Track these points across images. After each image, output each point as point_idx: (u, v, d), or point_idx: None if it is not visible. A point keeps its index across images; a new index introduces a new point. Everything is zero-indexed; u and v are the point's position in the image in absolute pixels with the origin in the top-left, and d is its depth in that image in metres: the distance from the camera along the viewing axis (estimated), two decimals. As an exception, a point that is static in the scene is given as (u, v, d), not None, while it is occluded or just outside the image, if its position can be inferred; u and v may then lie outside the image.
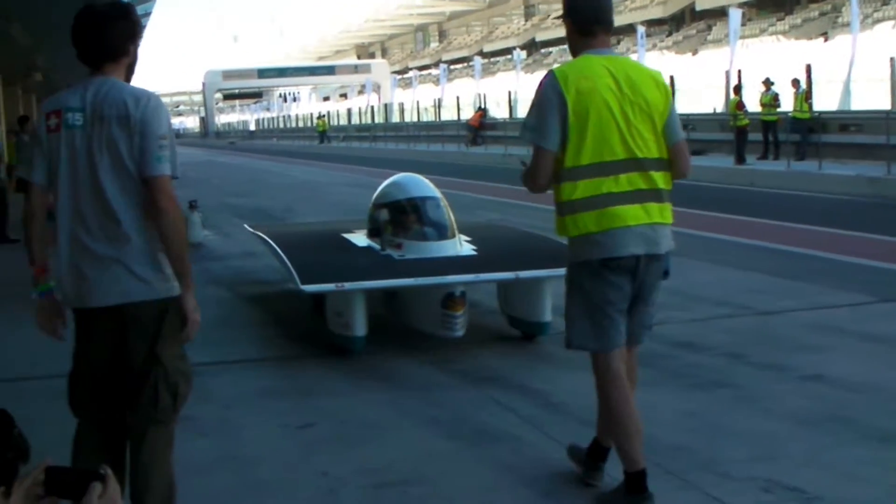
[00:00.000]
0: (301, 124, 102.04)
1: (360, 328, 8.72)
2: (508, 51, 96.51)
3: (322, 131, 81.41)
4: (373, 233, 10.04)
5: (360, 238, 10.43)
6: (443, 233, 9.62)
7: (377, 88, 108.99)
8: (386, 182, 10.67)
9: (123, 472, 4.77)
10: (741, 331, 9.37)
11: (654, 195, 5.37)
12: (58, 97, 4.80)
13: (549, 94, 5.30)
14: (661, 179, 5.41)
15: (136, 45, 4.82)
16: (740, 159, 29.27)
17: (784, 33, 70.69)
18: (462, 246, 9.61)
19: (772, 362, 8.28)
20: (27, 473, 2.56)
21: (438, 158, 47.39)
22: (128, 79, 4.83)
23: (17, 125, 20.65)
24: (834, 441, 6.41)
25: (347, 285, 8.45)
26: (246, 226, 13.44)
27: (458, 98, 64.42)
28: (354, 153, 61.07)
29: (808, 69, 31.76)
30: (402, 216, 9.80)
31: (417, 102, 73.56)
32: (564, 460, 6.10)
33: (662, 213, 5.40)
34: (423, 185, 10.29)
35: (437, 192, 10.07)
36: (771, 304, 10.42)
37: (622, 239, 5.27)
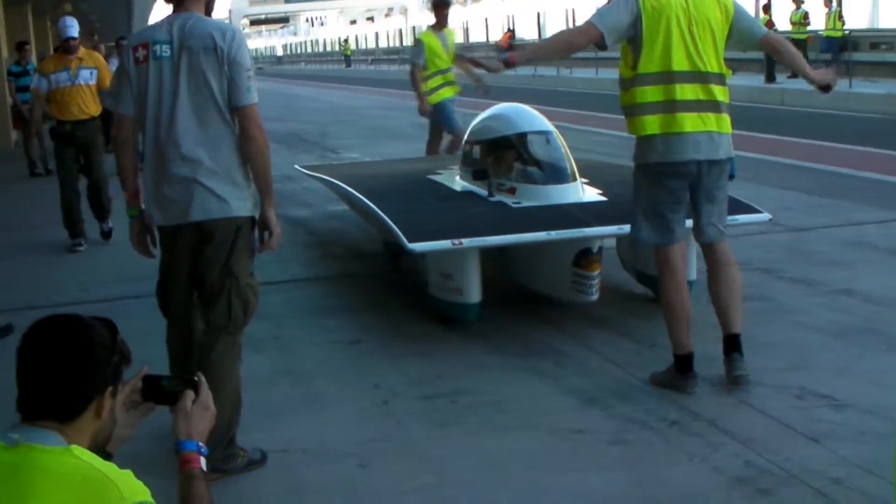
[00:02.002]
0: (328, 48, 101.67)
1: (474, 294, 7.30)
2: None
3: (347, 55, 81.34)
4: (474, 175, 8.42)
5: (452, 180, 9.11)
6: (563, 175, 8.09)
7: (404, 11, 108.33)
8: (486, 113, 9.14)
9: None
10: (774, 246, 9.59)
11: (713, 106, 5.98)
12: (143, 31, 5.25)
13: (628, 1, 5.94)
14: (720, 92, 6.03)
15: None
16: (770, 78, 29.17)
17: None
18: (584, 190, 8.10)
19: (804, 277, 8.52)
20: (128, 379, 2.83)
21: (467, 80, 47.33)
22: (208, 14, 5.20)
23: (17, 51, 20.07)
24: (862, 351, 6.66)
25: (467, 242, 6.99)
26: (298, 167, 12.02)
27: (486, 20, 64.10)
28: (383, 76, 60.95)
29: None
30: (512, 155, 8.34)
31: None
32: (605, 370, 6.41)
33: (720, 122, 6.04)
34: (533, 118, 8.72)
35: (551, 126, 8.53)
36: (803, 221, 10.62)
37: (679, 146, 5.91)
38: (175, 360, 5.37)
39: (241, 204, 5.15)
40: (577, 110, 25.65)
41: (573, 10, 50.88)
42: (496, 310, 7.62)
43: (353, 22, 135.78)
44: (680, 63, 5.91)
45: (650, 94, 5.95)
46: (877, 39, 30.39)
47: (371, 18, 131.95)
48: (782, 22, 31.19)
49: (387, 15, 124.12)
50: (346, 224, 11.25)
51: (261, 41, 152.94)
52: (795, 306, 7.75)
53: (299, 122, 27.15)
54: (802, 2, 30.61)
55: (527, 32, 58.78)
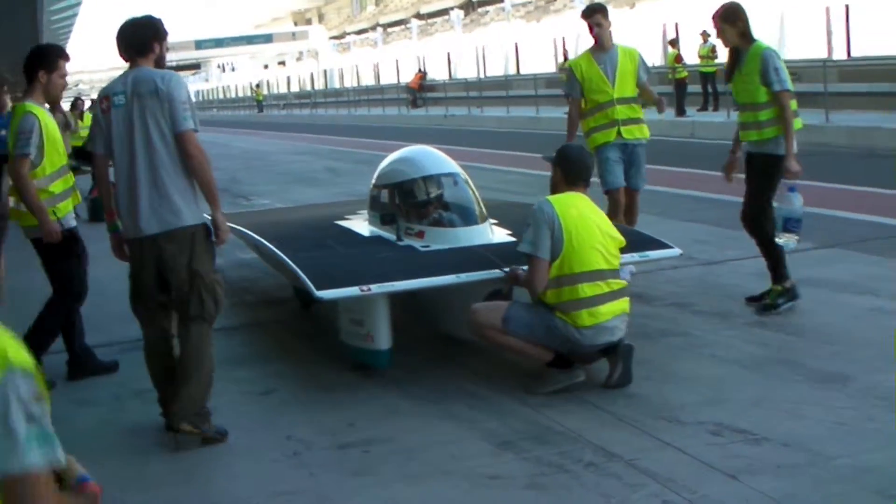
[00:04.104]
0: (241, 94, 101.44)
1: (385, 340, 7.21)
2: (446, 11, 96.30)
3: (259, 100, 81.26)
4: (382, 220, 8.38)
5: (360, 225, 9.06)
6: (471, 217, 8.13)
7: (315, 55, 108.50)
8: (393, 156, 9.07)
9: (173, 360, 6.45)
10: (687, 281, 9.59)
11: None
12: (106, 86, 6.38)
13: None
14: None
15: (161, 46, 6.38)
16: (681, 111, 29.52)
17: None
18: (493, 231, 8.15)
19: (718, 310, 8.51)
20: None
21: (380, 122, 47.49)
22: (159, 67, 6.36)
23: None
24: (778, 383, 6.64)
25: (375, 287, 6.92)
26: (206, 215, 11.81)
27: (396, 61, 64.35)
28: (295, 120, 60.92)
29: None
30: (418, 198, 8.33)
31: (356, 67, 73.40)
32: (518, 412, 6.34)
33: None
34: (440, 160, 8.70)
35: (457, 168, 8.54)
36: (714, 254, 10.66)
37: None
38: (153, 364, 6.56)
39: (193, 213, 6.22)
40: (487, 149, 25.72)
41: (483, 50, 51.21)
42: (409, 355, 7.53)
43: (266, 66, 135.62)
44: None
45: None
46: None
47: (283, 62, 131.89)
48: (691, 56, 31.56)
49: (298, 59, 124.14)
50: (257, 272, 11.11)
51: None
52: (711, 340, 7.73)
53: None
54: (710, 36, 31.00)
55: (438, 72, 59.05)
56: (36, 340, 7.46)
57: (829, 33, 30.93)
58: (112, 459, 6.13)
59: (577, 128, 10.02)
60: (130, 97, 6.14)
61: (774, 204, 8.38)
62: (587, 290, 6.59)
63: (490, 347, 7.14)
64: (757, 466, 5.29)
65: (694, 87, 30.47)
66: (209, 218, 6.34)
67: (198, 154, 6.15)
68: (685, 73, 30.43)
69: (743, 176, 8.72)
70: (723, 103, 29.18)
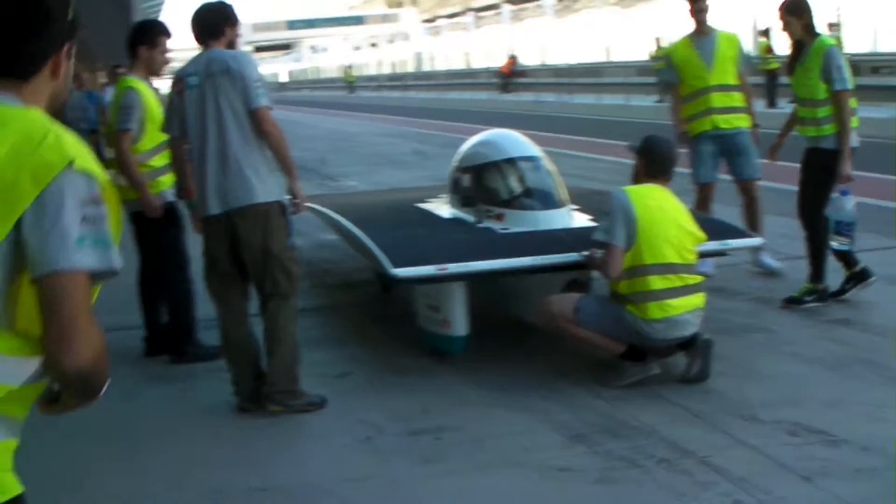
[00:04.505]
0: (331, 75, 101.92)
1: (461, 326, 7.24)
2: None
3: (350, 82, 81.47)
4: (461, 202, 8.38)
5: (441, 208, 8.96)
6: (551, 201, 8.02)
7: (406, 38, 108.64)
8: (473, 140, 8.98)
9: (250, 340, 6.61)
10: (770, 275, 9.44)
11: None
12: (179, 69, 6.59)
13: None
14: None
15: (232, 30, 6.61)
16: (772, 103, 29.12)
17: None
18: (574, 216, 8.05)
19: (801, 307, 8.35)
20: None
21: (470, 106, 47.34)
22: (231, 48, 6.58)
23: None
24: (860, 384, 6.51)
25: (451, 267, 6.88)
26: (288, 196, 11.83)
27: (487, 46, 64.17)
28: (386, 103, 61.00)
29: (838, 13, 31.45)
30: (499, 181, 8.23)
31: (447, 51, 73.35)
32: (593, 406, 6.27)
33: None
34: (522, 143, 8.63)
35: (539, 151, 8.48)
36: (799, 248, 10.40)
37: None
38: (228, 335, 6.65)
39: (267, 190, 6.32)
40: (576, 136, 25.56)
41: (574, 34, 50.90)
42: (485, 342, 7.48)
43: (357, 48, 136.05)
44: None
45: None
46: (878, 63, 30.27)
47: (374, 45, 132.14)
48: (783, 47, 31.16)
49: (390, 41, 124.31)
50: (338, 254, 11.10)
51: (264, 67, 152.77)
52: (792, 337, 7.61)
53: (299, 150, 26.72)
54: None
55: (529, 58, 58.80)
56: (178, 325, 7.78)
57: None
58: (180, 439, 6.21)
59: (680, 113, 9.84)
60: (203, 78, 6.31)
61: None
62: (657, 282, 6.50)
63: (561, 338, 7.07)
64: (833, 469, 5.19)
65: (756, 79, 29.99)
66: (286, 196, 6.52)
67: (273, 130, 6.31)
68: (777, 64, 29.94)
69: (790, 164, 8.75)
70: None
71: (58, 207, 2.26)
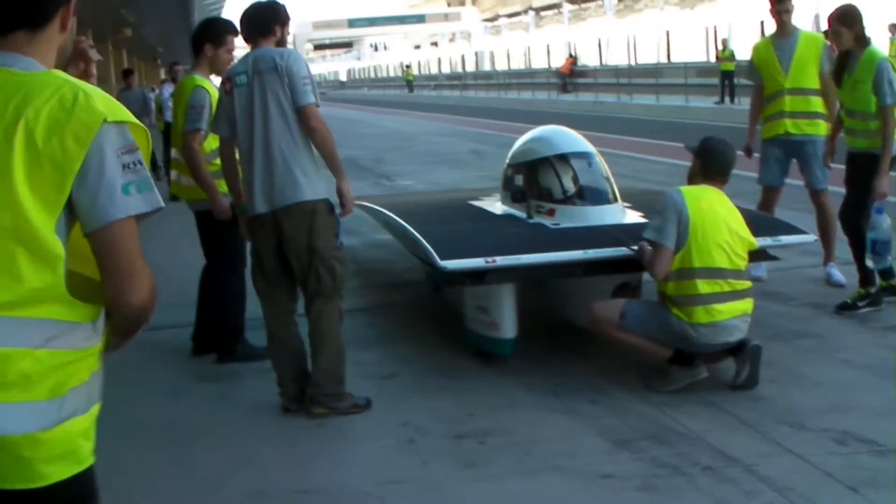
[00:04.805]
0: (391, 73, 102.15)
1: (510, 328, 7.20)
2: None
3: (409, 80, 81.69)
4: (513, 198, 8.31)
5: (493, 205, 8.94)
6: (603, 196, 7.97)
7: (467, 36, 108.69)
8: (525, 137, 8.89)
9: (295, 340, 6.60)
10: (827, 280, 9.31)
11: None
12: (230, 68, 6.73)
13: None
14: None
15: (283, 29, 6.53)
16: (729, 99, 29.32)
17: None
18: (626, 213, 7.99)
19: (856, 312, 8.24)
20: None
21: (529, 106, 47.30)
22: (280, 46, 6.52)
23: (123, 79, 20.99)
24: (911, 393, 6.42)
25: (500, 259, 6.81)
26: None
27: (548, 45, 64.09)
28: (444, 102, 61.06)
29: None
30: (551, 176, 8.13)
31: (508, 50, 73.32)
32: (640, 410, 6.22)
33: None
34: (574, 139, 8.53)
35: (591, 147, 8.39)
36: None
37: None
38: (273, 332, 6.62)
39: (314, 188, 6.27)
40: (635, 137, 25.44)
41: (634, 37, 50.71)
42: (534, 344, 7.46)
43: (418, 47, 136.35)
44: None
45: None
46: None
47: (435, 43, 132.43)
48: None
49: (451, 40, 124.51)
50: (391, 253, 11.10)
51: (325, 66, 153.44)
52: (845, 343, 7.51)
53: (356, 148, 27.02)
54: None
55: (589, 58, 58.66)
56: (227, 324, 7.75)
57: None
58: (224, 438, 6.22)
59: (758, 115, 9.68)
60: (252, 76, 6.28)
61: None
62: (704, 286, 6.43)
63: (609, 342, 7.02)
64: (880, 480, 5.09)
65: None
66: (333, 194, 6.42)
67: (320, 127, 6.24)
68: (731, 66, 31.17)
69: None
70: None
71: (100, 162, 2.46)
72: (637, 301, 7.14)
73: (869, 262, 8.03)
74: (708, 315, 6.41)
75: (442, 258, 6.78)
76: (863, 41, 8.14)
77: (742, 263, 6.61)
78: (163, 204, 2.56)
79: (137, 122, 2.58)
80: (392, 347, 7.96)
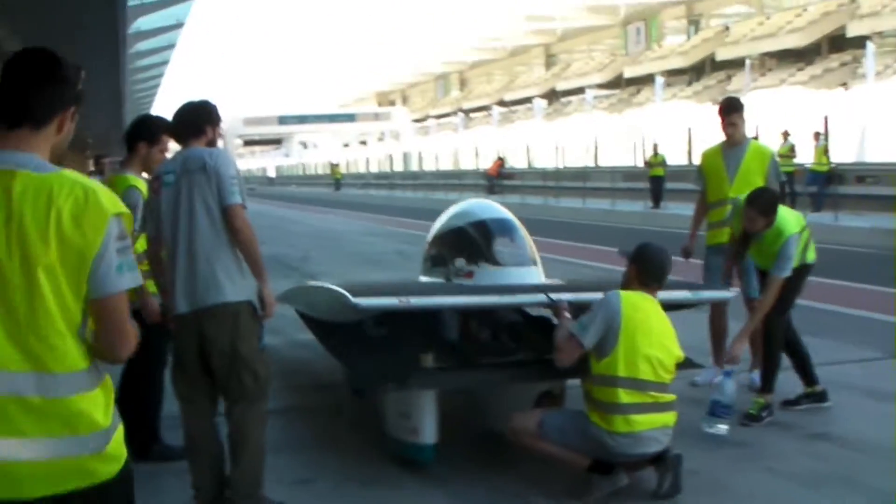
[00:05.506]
0: (320, 171, 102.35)
1: (431, 434, 7.06)
2: (529, 100, 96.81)
3: (337, 179, 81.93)
4: (432, 262, 8.57)
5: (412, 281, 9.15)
6: (522, 258, 8.12)
7: (396, 136, 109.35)
8: (447, 213, 9.12)
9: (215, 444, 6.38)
10: (749, 386, 9.25)
11: None
12: (158, 167, 6.64)
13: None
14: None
15: (214, 130, 6.52)
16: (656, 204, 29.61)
17: (804, 83, 70.76)
18: (543, 275, 8.15)
19: (779, 419, 8.19)
20: None
21: (456, 207, 47.34)
22: (211, 146, 6.50)
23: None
24: (837, 504, 6.32)
25: (414, 300, 7.04)
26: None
27: (476, 147, 64.57)
28: (372, 201, 61.16)
29: (826, 121, 31.68)
30: (471, 242, 8.30)
31: (436, 151, 73.80)
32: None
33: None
34: (492, 208, 8.91)
35: (510, 214, 8.63)
36: (783, 360, 10.30)
37: None
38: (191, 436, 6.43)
39: (237, 290, 6.15)
40: (561, 240, 25.50)
41: (562, 140, 51.19)
42: (457, 452, 7.30)
43: (347, 145, 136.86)
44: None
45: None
46: (863, 173, 30.46)
47: (364, 142, 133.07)
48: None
49: (380, 139, 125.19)
50: (312, 353, 10.90)
51: (253, 161, 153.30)
52: (769, 451, 7.45)
53: (283, 246, 26.85)
54: (790, 135, 30.83)
55: (517, 161, 59.09)
56: (144, 422, 7.52)
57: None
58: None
59: (700, 221, 9.76)
60: (180, 175, 6.20)
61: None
62: (625, 396, 6.33)
63: (526, 453, 6.87)
64: None
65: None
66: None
67: (245, 228, 6.14)
68: (662, 171, 32.08)
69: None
70: (800, 203, 28.89)
71: (105, 248, 3.14)
72: (556, 410, 7.06)
73: (703, 424, 7.79)
74: (627, 425, 6.30)
75: (354, 295, 6.82)
76: (772, 223, 8.19)
77: (668, 377, 6.51)
78: (142, 281, 3.27)
79: (128, 211, 3.22)
80: (308, 452, 7.77)
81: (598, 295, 6.74)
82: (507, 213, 8.54)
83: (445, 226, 8.74)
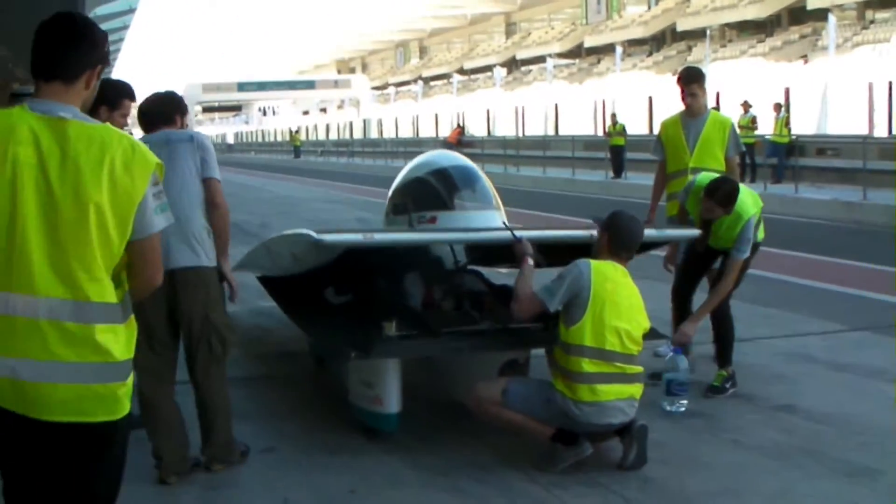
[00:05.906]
0: (279, 138, 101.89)
1: (394, 403, 7.01)
2: (489, 68, 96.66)
3: (297, 146, 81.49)
4: (394, 210, 8.49)
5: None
6: (484, 200, 8.01)
7: (356, 104, 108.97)
8: (409, 165, 9.03)
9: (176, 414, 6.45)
10: (712, 359, 9.24)
11: None
12: (141, 137, 6.50)
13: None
14: None
15: (182, 119, 6.81)
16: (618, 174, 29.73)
17: (764, 55, 70.96)
18: (505, 218, 7.94)
19: (743, 392, 8.18)
20: None
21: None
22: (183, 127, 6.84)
23: None
24: (802, 475, 6.33)
25: (378, 236, 7.19)
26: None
27: (436, 115, 64.44)
28: (331, 168, 60.96)
29: (787, 93, 31.80)
30: (431, 190, 8.19)
31: (396, 118, 73.61)
32: (527, 491, 6.03)
33: None
34: (455, 157, 8.85)
35: (470, 162, 8.63)
36: (744, 331, 10.27)
37: None
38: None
39: (208, 256, 6.37)
40: (522, 209, 25.46)
41: (523, 108, 51.15)
42: (420, 421, 7.25)
43: (306, 112, 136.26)
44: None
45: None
46: (823, 145, 30.57)
47: (324, 110, 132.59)
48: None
49: (339, 107, 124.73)
50: (275, 322, 10.82)
51: (213, 128, 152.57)
52: (734, 424, 7.42)
53: (242, 213, 26.59)
54: (751, 106, 30.89)
55: (477, 129, 59.02)
56: None
57: (871, 110, 30.67)
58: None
59: (661, 191, 9.67)
60: (161, 145, 6.26)
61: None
62: (589, 366, 6.29)
63: (489, 424, 6.83)
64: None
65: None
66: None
67: (223, 203, 6.50)
68: (623, 141, 32.47)
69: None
70: (760, 175, 29.00)
71: (148, 192, 3.45)
72: (521, 378, 7.00)
73: (664, 404, 7.77)
74: (592, 394, 6.26)
75: (318, 233, 6.69)
76: (730, 211, 8.11)
77: (635, 349, 6.46)
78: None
79: (161, 162, 3.54)
80: (271, 421, 7.69)
81: (564, 233, 7.08)
82: (468, 162, 8.57)
83: (407, 176, 8.68)
